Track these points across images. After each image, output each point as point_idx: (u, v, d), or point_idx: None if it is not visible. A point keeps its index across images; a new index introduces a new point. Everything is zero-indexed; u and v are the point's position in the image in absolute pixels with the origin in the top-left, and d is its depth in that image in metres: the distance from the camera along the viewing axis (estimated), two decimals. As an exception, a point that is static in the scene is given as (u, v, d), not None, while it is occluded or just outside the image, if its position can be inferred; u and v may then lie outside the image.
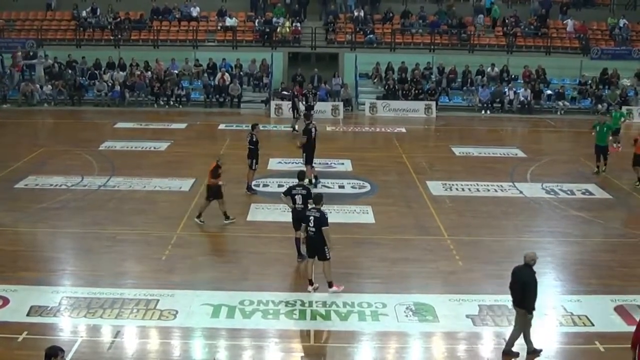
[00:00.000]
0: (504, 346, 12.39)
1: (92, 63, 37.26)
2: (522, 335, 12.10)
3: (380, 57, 38.36)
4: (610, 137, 23.98)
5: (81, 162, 24.54)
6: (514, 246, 17.46)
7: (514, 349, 12.15)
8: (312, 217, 14.40)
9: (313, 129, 21.95)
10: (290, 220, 16.36)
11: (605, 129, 24.21)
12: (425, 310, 13.78)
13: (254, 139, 21.04)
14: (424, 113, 35.46)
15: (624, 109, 35.23)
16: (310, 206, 15.04)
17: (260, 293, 14.32)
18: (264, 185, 22.14)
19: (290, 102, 32.44)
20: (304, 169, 20.47)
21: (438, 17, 40.57)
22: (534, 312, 11.96)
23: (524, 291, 11.78)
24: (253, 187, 21.44)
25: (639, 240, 18.06)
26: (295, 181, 16.55)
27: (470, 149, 27.71)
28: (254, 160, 21.06)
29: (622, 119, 28.61)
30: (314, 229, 14.32)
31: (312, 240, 14.44)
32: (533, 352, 12.12)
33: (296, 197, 16.04)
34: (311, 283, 14.60)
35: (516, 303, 12.00)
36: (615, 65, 38.09)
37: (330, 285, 14.45)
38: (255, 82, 37.60)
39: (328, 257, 14.34)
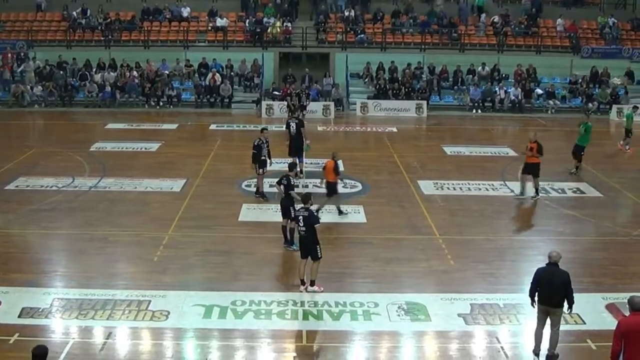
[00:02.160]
0: (496, 344, 12.43)
1: (83, 64, 37.14)
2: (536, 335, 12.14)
3: (371, 56, 38.40)
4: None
5: (72, 163, 24.47)
6: (506, 245, 17.55)
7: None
8: (301, 217, 14.50)
9: (292, 123, 22.80)
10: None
11: (584, 129, 24.29)
12: (418, 310, 13.79)
13: (256, 143, 20.72)
14: (415, 112, 35.51)
15: (615, 107, 35.43)
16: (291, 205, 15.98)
17: (253, 293, 14.31)
18: (256, 186, 22.09)
19: (285, 102, 32.55)
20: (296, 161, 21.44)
21: (428, 17, 40.66)
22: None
23: (566, 290, 11.69)
24: (262, 192, 20.80)
25: (630, 239, 18.13)
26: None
27: (462, 148, 27.75)
28: (257, 165, 20.61)
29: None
30: (304, 229, 14.39)
31: (303, 239, 14.50)
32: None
33: (281, 186, 16.98)
34: (303, 283, 14.61)
35: (554, 304, 11.83)
36: (605, 64, 38.24)
37: (312, 283, 14.51)
38: (246, 83, 37.58)
39: (319, 256, 14.42)
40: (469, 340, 12.86)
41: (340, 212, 19.31)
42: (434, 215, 19.61)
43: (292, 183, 16.95)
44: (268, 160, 21.00)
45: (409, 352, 12.63)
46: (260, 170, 20.60)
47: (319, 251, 14.43)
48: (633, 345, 9.99)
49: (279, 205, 17.21)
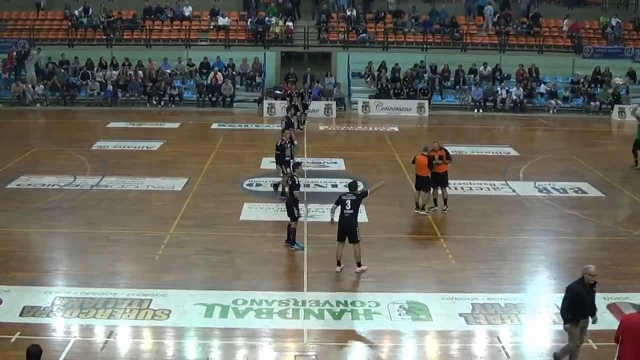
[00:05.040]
0: (497, 344, 12.49)
1: (85, 63, 37.15)
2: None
3: (372, 56, 38.37)
4: None
5: (74, 162, 24.49)
6: (507, 244, 17.54)
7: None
8: (348, 201, 15.30)
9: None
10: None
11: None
12: (419, 309, 13.79)
13: (279, 144, 20.69)
14: (416, 112, 35.50)
15: (617, 107, 35.40)
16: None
17: (254, 292, 14.32)
18: (257, 185, 22.14)
19: (287, 102, 32.56)
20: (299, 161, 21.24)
21: (430, 17, 40.66)
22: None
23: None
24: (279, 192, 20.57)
25: (631, 238, 18.11)
26: None
27: (463, 148, 27.71)
28: (283, 165, 20.37)
29: None
30: (351, 211, 15.22)
31: (346, 221, 15.24)
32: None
33: (286, 187, 17.25)
34: (339, 264, 15.34)
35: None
36: (607, 64, 38.19)
37: (358, 265, 15.27)
38: (247, 82, 37.57)
39: (359, 239, 15.22)
40: (470, 339, 12.86)
41: (421, 209, 19.64)
42: (435, 215, 19.61)
43: (297, 183, 16.90)
44: (291, 160, 20.68)
45: (410, 352, 12.63)
46: (287, 170, 20.45)
47: (358, 233, 15.23)
48: (626, 343, 10.06)
49: (284, 204, 17.27)
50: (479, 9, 41.58)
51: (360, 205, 19.73)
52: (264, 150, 25.07)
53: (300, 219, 17.05)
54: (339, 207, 15.42)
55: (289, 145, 20.76)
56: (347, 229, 15.26)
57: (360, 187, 16.12)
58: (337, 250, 15.46)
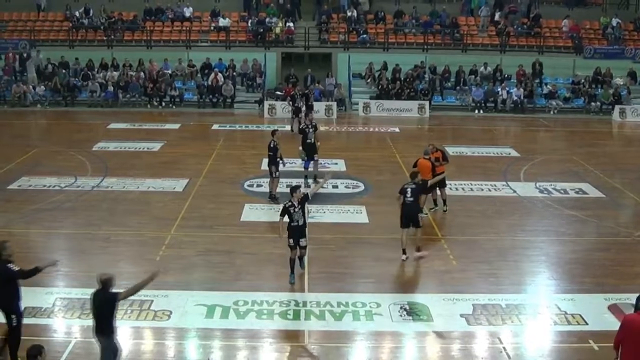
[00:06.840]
0: (498, 345, 12.48)
1: (85, 64, 37.17)
2: None
3: (373, 57, 38.39)
4: None
5: (74, 163, 24.48)
6: (508, 245, 17.52)
7: None
8: (409, 189, 16.18)
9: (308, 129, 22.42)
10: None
11: None
12: (420, 310, 13.78)
13: (272, 145, 20.46)
14: (417, 113, 35.52)
15: (617, 108, 35.38)
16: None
17: (255, 293, 14.31)
18: (258, 186, 22.13)
19: (290, 103, 32.44)
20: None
21: (430, 17, 40.68)
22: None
23: None
24: (274, 195, 20.37)
25: (632, 239, 18.09)
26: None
27: (464, 149, 27.72)
28: (274, 167, 20.34)
29: None
30: (411, 199, 16.09)
31: (408, 208, 16.07)
32: None
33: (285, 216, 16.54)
34: (404, 252, 16.04)
35: None
36: (608, 65, 38.19)
37: (418, 249, 16.05)
38: (248, 83, 37.59)
39: (421, 225, 16.29)
40: (471, 340, 12.84)
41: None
42: (436, 216, 19.61)
43: (294, 219, 15.28)
44: (281, 162, 20.60)
45: (411, 353, 12.62)
46: (277, 173, 20.35)
47: (420, 220, 16.33)
48: (628, 343, 10.04)
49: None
50: (479, 9, 41.62)
51: (362, 206, 20.04)
52: (264, 151, 24.87)
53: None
54: (402, 196, 16.16)
55: (280, 146, 20.62)
56: (410, 216, 16.06)
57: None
58: (401, 237, 16.14)
